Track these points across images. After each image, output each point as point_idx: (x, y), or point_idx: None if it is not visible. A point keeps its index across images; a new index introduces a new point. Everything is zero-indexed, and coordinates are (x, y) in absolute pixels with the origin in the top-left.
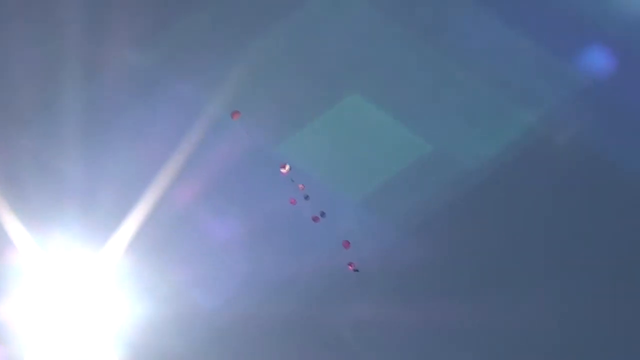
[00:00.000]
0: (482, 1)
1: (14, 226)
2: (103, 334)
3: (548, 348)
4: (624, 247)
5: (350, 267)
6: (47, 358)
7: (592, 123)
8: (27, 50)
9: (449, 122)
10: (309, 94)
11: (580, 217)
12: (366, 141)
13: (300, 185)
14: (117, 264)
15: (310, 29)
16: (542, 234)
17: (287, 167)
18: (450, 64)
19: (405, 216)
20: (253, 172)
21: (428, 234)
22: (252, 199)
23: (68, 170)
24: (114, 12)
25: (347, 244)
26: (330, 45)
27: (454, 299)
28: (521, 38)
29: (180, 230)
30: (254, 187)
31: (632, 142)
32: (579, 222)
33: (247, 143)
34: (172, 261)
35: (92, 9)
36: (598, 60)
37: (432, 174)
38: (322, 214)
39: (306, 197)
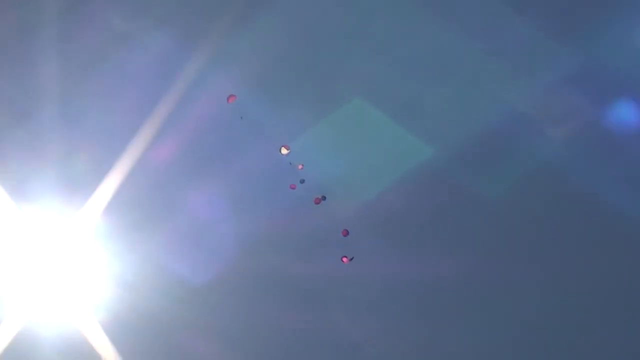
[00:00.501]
0: None
1: None
2: (81, 293)
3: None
4: None
5: (344, 260)
6: (26, 318)
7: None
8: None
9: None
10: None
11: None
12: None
13: (300, 166)
14: (96, 223)
15: None
16: None
17: (287, 149)
18: None
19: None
20: (232, 130)
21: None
22: (231, 157)
23: (46, 127)
24: None
25: (345, 233)
26: None
27: (433, 252)
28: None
29: (159, 189)
30: (232, 145)
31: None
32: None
33: (227, 103)
34: (150, 220)
35: None
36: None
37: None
38: (324, 198)
39: (302, 181)
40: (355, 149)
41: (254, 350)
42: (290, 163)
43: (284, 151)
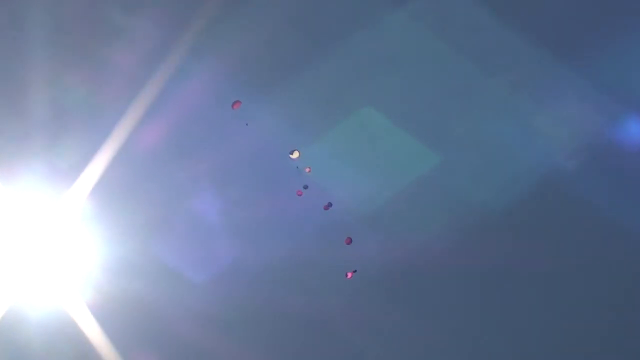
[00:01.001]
0: None
1: None
2: (68, 274)
3: None
4: None
5: (349, 275)
6: (13, 299)
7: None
8: None
9: None
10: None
11: None
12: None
13: (307, 169)
14: (83, 205)
15: None
16: None
17: (297, 153)
18: None
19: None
20: (219, 112)
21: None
22: (218, 139)
23: (32, 113)
24: None
25: (349, 241)
26: None
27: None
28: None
29: (146, 171)
30: (219, 127)
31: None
32: None
33: (214, 85)
34: (138, 202)
35: None
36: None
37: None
38: (330, 205)
39: (305, 187)
40: (362, 157)
41: (238, 332)
42: (297, 167)
43: (295, 155)
